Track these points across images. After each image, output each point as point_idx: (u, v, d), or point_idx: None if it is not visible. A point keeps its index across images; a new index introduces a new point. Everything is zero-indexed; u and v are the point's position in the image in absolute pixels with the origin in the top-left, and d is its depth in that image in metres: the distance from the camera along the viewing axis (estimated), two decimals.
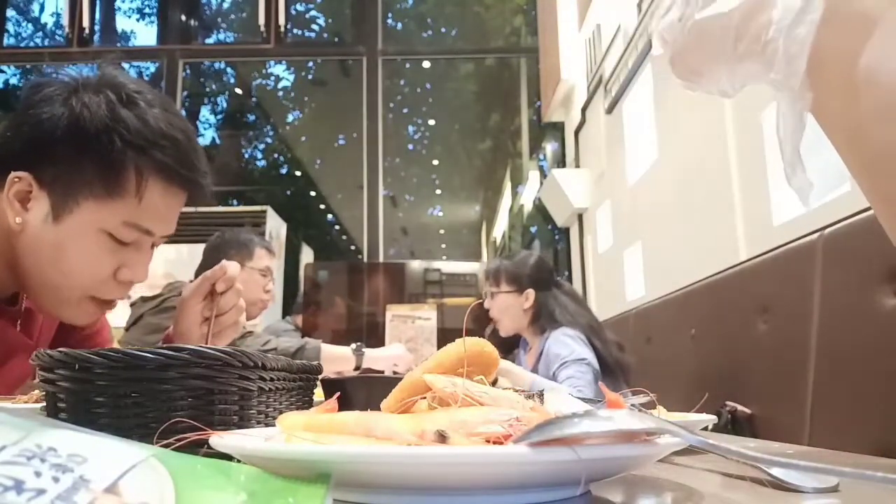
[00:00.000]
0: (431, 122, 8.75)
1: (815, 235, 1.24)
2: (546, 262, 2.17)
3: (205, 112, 8.04)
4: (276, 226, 4.53)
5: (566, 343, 1.86)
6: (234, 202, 8.22)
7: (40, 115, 0.79)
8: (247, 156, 8.45)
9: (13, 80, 6.47)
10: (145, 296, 1.98)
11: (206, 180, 0.87)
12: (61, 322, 1.00)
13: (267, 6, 5.33)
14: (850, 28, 0.43)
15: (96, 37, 6.22)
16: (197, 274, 2.18)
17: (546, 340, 1.93)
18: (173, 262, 4.07)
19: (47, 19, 7.15)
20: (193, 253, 3.97)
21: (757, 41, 0.47)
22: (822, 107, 0.45)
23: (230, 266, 0.94)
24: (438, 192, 9.59)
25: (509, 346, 2.18)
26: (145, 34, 7.66)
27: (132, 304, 2.00)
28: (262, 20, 5.34)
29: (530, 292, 2.01)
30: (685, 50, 0.52)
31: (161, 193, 0.83)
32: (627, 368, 1.89)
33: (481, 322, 2.32)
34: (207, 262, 2.11)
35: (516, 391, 0.43)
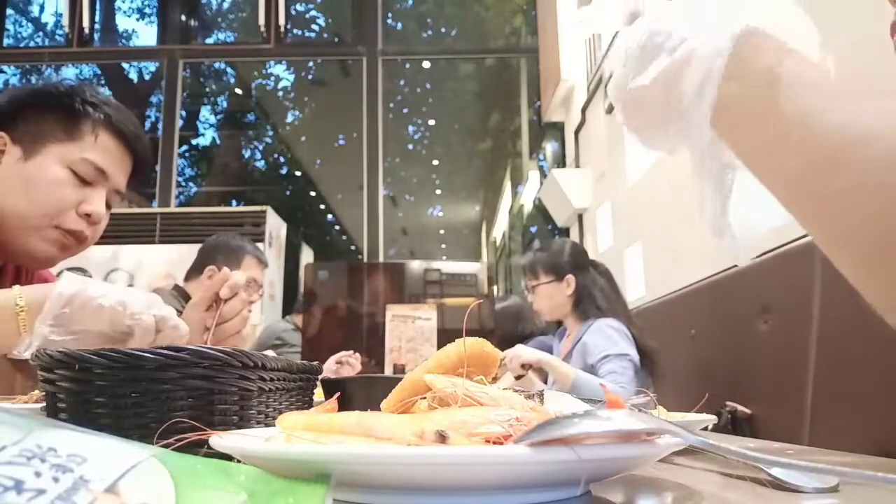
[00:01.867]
0: (431, 122, 8.74)
1: None
2: (580, 246, 2.19)
3: (205, 112, 8.04)
4: (276, 226, 4.53)
5: (610, 336, 1.86)
6: (234, 202, 8.23)
7: (15, 92, 1.03)
8: (247, 156, 8.44)
9: (13, 80, 6.46)
10: None
11: (146, 145, 1.09)
12: None
13: (267, 6, 5.33)
14: (756, 87, 0.44)
15: (96, 37, 6.22)
16: (188, 275, 2.18)
17: (587, 329, 1.93)
18: (174, 263, 4.06)
19: (47, 19, 7.15)
20: (194, 253, 3.97)
21: (676, 110, 0.50)
22: (756, 163, 0.47)
23: (235, 274, 0.95)
24: (438, 192, 9.58)
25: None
26: (145, 34, 7.64)
27: None
28: (262, 20, 5.33)
29: (570, 278, 2.03)
30: (626, 113, 0.56)
31: (110, 140, 1.03)
32: (656, 354, 1.89)
33: (498, 323, 2.32)
34: (196, 263, 2.11)
35: (516, 391, 0.43)
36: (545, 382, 2.04)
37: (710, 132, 0.47)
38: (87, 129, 1.01)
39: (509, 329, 2.68)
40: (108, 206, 1.07)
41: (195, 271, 2.08)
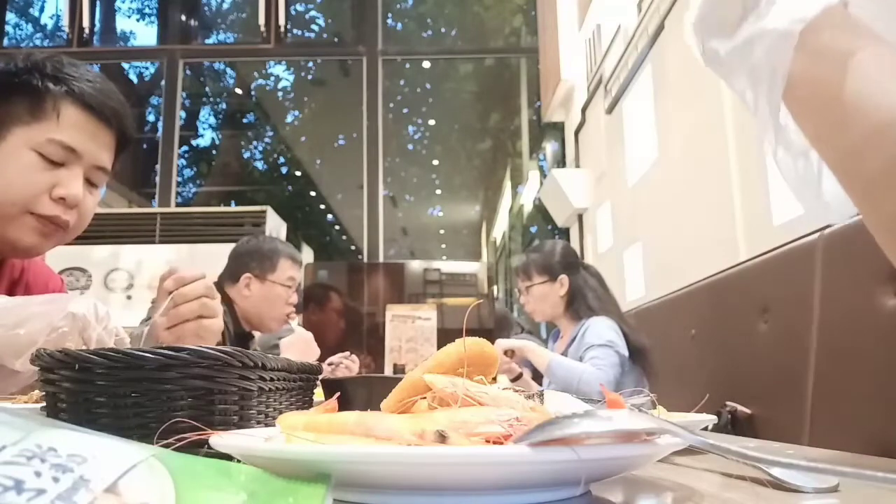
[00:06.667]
0: (431, 122, 8.74)
1: (815, 235, 1.25)
2: (571, 247, 2.21)
3: (205, 112, 8.04)
4: (276, 226, 4.53)
5: (598, 332, 1.91)
6: (234, 202, 8.23)
7: None
8: (247, 156, 8.45)
9: None
10: None
11: (121, 114, 1.01)
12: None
13: (267, 6, 5.33)
14: (826, 64, 0.45)
15: (96, 37, 6.22)
16: (222, 281, 2.15)
17: (581, 328, 1.97)
18: (174, 263, 4.06)
19: (47, 21, 7.16)
20: (193, 252, 3.97)
21: (751, 78, 0.50)
22: (814, 139, 0.48)
23: (183, 270, 0.94)
24: (438, 192, 9.58)
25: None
26: (145, 34, 7.66)
27: (151, 303, 1.98)
28: (262, 20, 5.34)
29: (564, 278, 2.05)
30: (704, 58, 0.55)
31: (78, 115, 0.97)
32: (648, 352, 1.91)
33: (483, 323, 2.32)
34: (231, 269, 2.07)
35: (516, 391, 0.43)
36: (540, 384, 2.05)
37: (779, 103, 0.47)
38: (50, 106, 0.95)
39: (507, 336, 2.67)
40: (95, 185, 1.01)
41: (231, 279, 2.04)
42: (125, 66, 6.87)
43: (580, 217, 3.96)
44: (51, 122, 0.95)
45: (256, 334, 2.13)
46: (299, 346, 1.97)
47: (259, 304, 1.98)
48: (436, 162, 9.12)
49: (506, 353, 1.96)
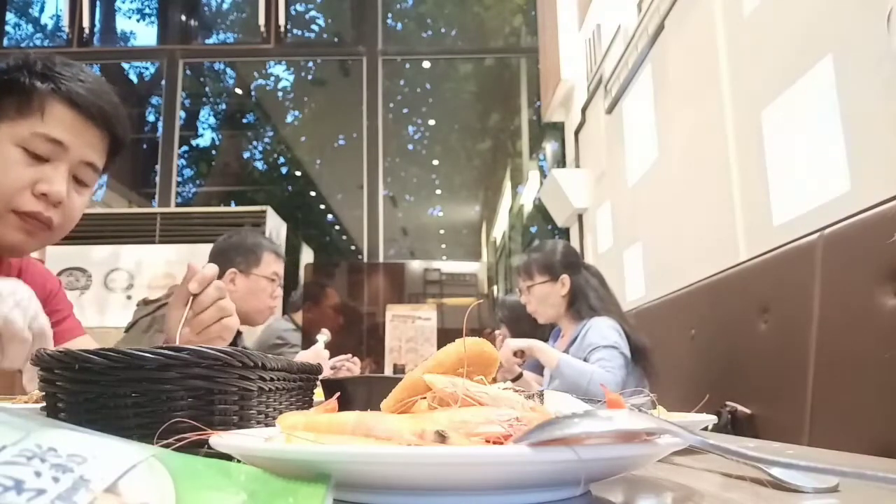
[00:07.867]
0: (431, 122, 8.74)
1: (815, 235, 1.24)
2: (572, 247, 2.21)
3: (205, 112, 8.04)
4: (276, 226, 4.53)
5: (601, 332, 1.91)
6: (234, 202, 8.23)
7: None
8: (247, 156, 8.45)
9: None
10: (148, 298, 1.97)
11: (110, 113, 1.00)
12: None
13: (267, 6, 5.33)
14: None
15: (96, 37, 6.22)
16: None
17: (583, 328, 1.97)
18: (174, 263, 4.07)
19: (47, 21, 7.16)
20: (193, 253, 3.97)
21: None
22: None
23: (208, 266, 0.95)
24: (438, 192, 9.58)
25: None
26: (145, 34, 7.66)
27: (137, 305, 1.99)
28: (262, 20, 5.34)
29: (565, 278, 2.05)
30: None
31: (64, 112, 0.97)
32: (649, 351, 1.92)
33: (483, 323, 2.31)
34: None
35: (516, 391, 0.43)
36: (540, 385, 2.05)
37: None
38: (36, 104, 0.95)
39: (528, 330, 2.64)
40: (85, 185, 1.01)
41: None
42: (125, 66, 6.87)
43: (580, 217, 3.96)
44: (35, 118, 0.95)
45: (259, 329, 2.14)
46: (309, 360, 1.98)
47: (244, 299, 1.98)
48: (436, 162, 9.12)
49: (515, 354, 1.95)
